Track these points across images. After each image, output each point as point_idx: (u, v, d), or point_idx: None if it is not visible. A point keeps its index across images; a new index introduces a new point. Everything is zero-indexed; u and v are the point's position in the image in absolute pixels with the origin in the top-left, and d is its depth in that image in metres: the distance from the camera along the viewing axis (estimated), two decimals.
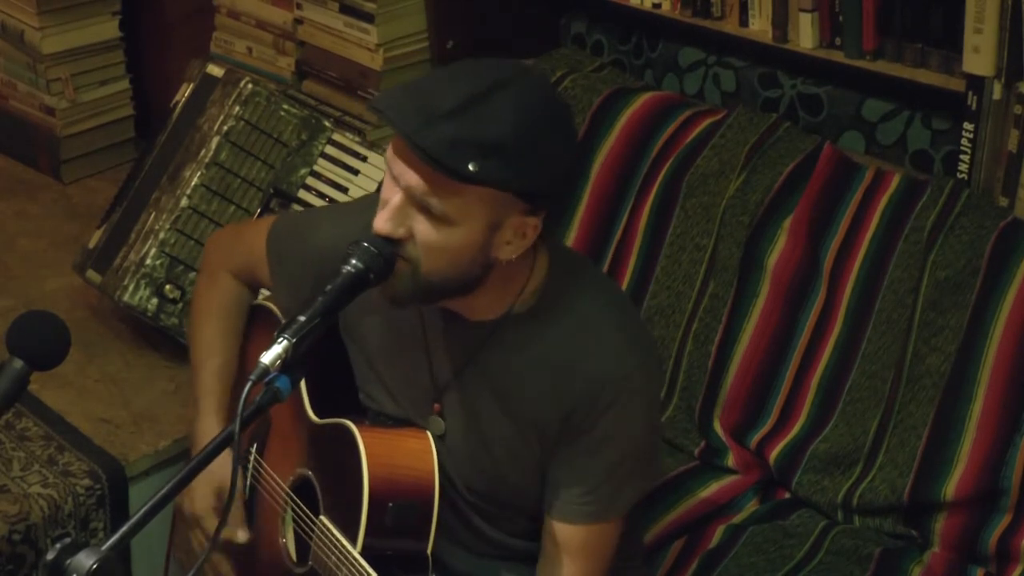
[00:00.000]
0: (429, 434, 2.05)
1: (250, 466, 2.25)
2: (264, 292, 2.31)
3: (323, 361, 2.12)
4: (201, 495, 2.17)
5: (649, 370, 1.98)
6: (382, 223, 1.82)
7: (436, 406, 2.03)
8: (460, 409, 2.02)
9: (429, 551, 2.02)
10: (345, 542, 1.97)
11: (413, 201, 1.80)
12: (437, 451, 2.04)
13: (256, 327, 2.28)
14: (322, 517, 2.04)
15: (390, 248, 1.83)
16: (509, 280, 1.92)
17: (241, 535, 2.17)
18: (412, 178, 1.78)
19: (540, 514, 2.05)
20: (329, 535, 2.00)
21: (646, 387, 1.96)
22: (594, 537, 1.99)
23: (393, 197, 1.82)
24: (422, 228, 1.81)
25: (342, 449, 2.03)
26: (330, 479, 2.07)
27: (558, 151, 1.82)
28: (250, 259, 2.23)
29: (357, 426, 2.03)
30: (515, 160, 1.76)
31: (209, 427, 2.21)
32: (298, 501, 2.12)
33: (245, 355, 2.27)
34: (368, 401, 2.14)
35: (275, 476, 2.19)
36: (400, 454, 2.02)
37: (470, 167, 1.73)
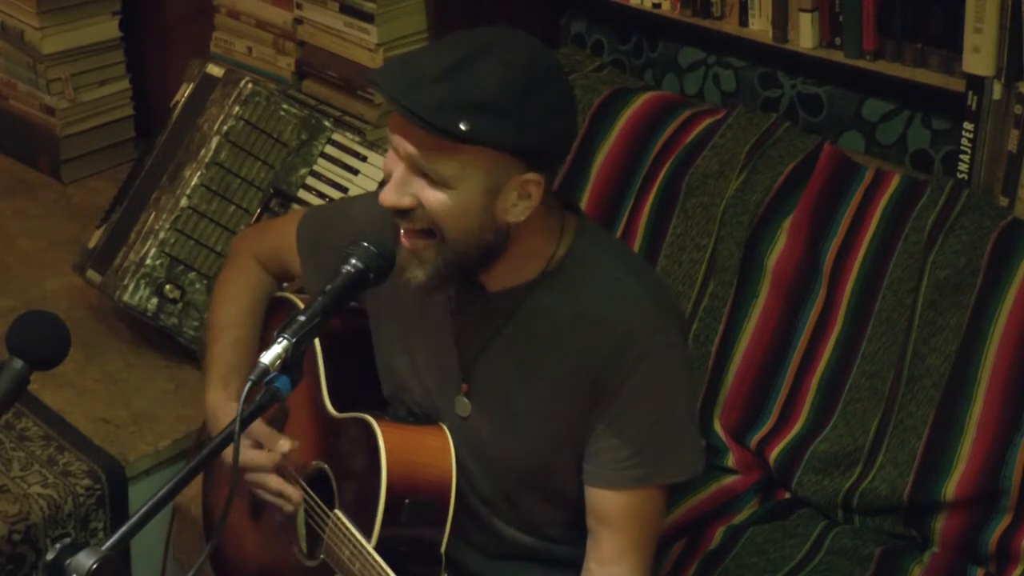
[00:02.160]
0: (448, 433, 2.05)
1: None
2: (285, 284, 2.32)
3: (344, 356, 2.13)
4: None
5: (675, 328, 1.98)
6: (388, 195, 1.85)
7: (464, 386, 2.03)
8: (487, 386, 2.02)
9: (443, 549, 2.02)
10: (360, 536, 1.97)
11: (415, 169, 1.83)
12: (458, 437, 2.05)
13: (278, 320, 2.27)
14: (337, 511, 2.04)
15: (390, 247, 1.84)
16: (534, 246, 1.94)
17: (284, 444, 2.10)
18: (409, 145, 1.82)
19: (559, 502, 2.05)
20: (344, 529, 2.00)
21: (673, 344, 1.96)
22: (637, 505, 1.97)
23: (396, 169, 1.85)
24: (426, 194, 1.83)
25: (361, 444, 2.03)
26: (347, 473, 2.07)
27: (550, 106, 1.84)
28: (279, 249, 2.24)
29: (377, 421, 2.03)
30: (505, 117, 1.78)
31: (215, 399, 2.20)
32: (312, 494, 2.12)
33: (263, 347, 2.27)
34: (393, 386, 2.13)
35: (290, 468, 2.19)
36: (419, 451, 2.03)
37: (461, 126, 1.76)
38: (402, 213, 1.85)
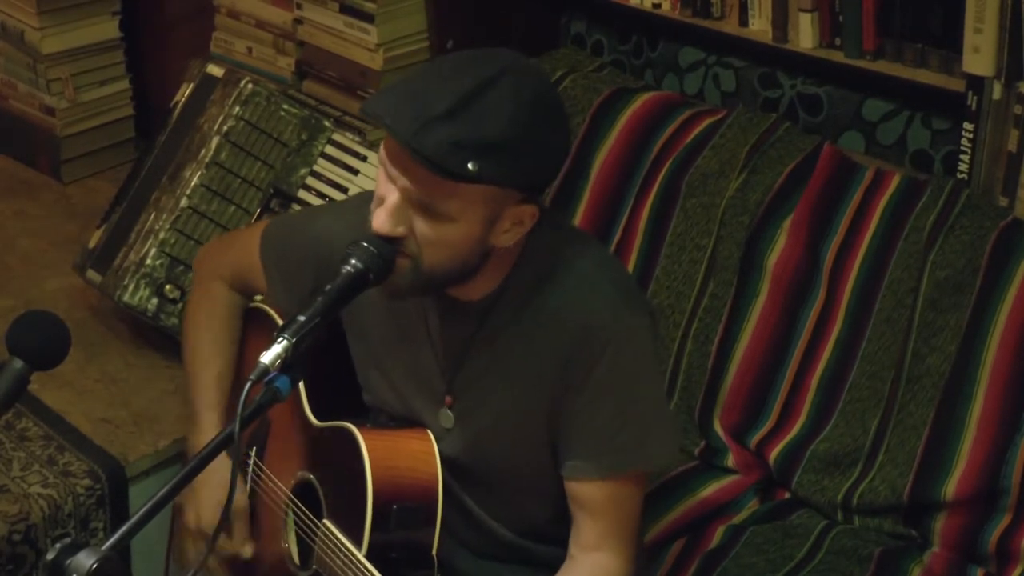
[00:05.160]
0: (431, 435, 2.05)
1: (250, 470, 2.25)
2: (258, 296, 2.31)
3: (322, 364, 2.13)
4: (208, 509, 2.17)
5: (639, 312, 1.97)
6: (381, 223, 1.82)
7: (448, 399, 2.03)
8: (470, 396, 2.02)
9: (434, 552, 2.02)
10: (350, 545, 1.97)
11: (411, 201, 1.80)
12: (444, 445, 2.04)
13: (252, 330, 2.27)
14: (325, 520, 2.03)
15: (390, 248, 1.83)
16: (504, 257, 1.93)
17: (247, 550, 2.18)
18: (410, 180, 1.79)
19: (547, 499, 2.05)
20: (333, 538, 2.00)
21: (638, 328, 1.95)
22: (613, 493, 1.98)
23: (390, 196, 1.82)
24: (422, 226, 1.81)
25: (344, 452, 2.03)
26: (332, 482, 2.07)
27: (553, 140, 1.83)
28: (242, 265, 2.22)
29: (359, 428, 2.03)
30: (513, 156, 1.76)
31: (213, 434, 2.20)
32: (300, 505, 2.12)
33: (243, 359, 2.27)
34: (371, 399, 2.14)
35: (275, 480, 2.19)
36: (403, 456, 2.02)
37: (470, 167, 1.73)
38: (390, 240, 1.83)
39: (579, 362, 1.93)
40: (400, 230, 1.82)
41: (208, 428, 2.21)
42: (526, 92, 1.78)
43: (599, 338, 1.92)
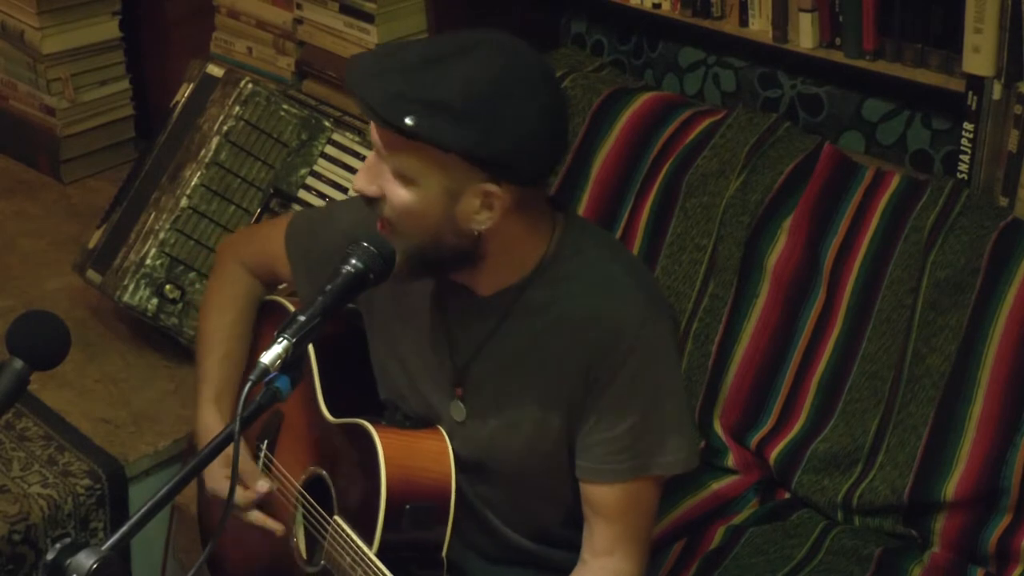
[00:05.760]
0: (446, 436, 2.05)
1: (260, 462, 2.25)
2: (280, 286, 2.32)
3: (339, 361, 2.13)
4: (220, 474, 2.17)
5: (664, 319, 1.97)
6: (358, 180, 1.88)
7: (458, 390, 2.03)
8: (482, 389, 2.02)
9: (444, 553, 2.02)
10: (361, 543, 1.97)
11: (381, 158, 1.85)
12: (457, 441, 2.04)
13: (268, 323, 2.28)
14: (336, 517, 2.04)
15: (390, 247, 1.84)
16: (521, 251, 1.93)
17: (263, 484, 2.14)
18: (375, 134, 1.83)
19: (558, 501, 2.05)
20: (344, 535, 2.00)
21: (662, 335, 1.95)
22: (630, 497, 1.97)
23: (370, 157, 1.88)
24: (389, 186, 1.85)
25: (358, 449, 2.03)
26: (345, 479, 2.07)
27: (517, 119, 1.80)
28: (266, 254, 2.24)
29: (374, 426, 2.03)
30: (461, 122, 1.76)
31: (206, 416, 2.21)
32: (310, 500, 2.12)
33: (256, 351, 2.27)
34: (388, 392, 2.14)
35: (286, 473, 2.19)
36: (417, 455, 2.02)
37: (407, 120, 1.75)
38: (371, 201, 1.87)
39: (602, 365, 1.92)
40: (373, 189, 1.86)
41: (203, 403, 2.22)
42: (497, 66, 1.79)
43: (624, 342, 1.91)
